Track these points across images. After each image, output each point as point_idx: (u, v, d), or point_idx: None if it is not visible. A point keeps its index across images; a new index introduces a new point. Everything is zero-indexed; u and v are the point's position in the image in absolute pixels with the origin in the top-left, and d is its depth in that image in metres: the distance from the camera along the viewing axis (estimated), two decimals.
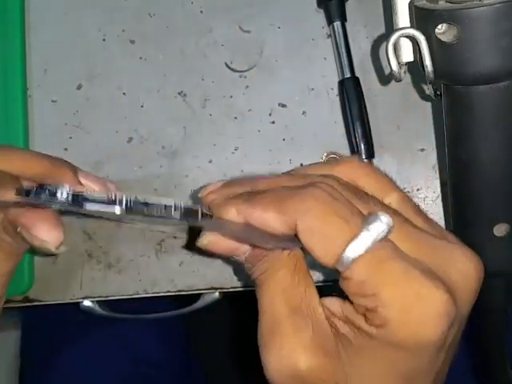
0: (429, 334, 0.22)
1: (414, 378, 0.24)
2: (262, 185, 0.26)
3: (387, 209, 0.25)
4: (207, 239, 0.26)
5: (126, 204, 0.25)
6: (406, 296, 0.22)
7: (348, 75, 0.40)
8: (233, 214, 0.25)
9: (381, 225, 0.22)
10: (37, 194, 0.26)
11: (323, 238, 0.23)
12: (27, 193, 0.26)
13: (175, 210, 0.25)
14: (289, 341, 0.23)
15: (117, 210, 0.25)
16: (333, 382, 0.23)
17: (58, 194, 0.25)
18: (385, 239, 0.23)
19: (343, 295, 0.24)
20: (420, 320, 0.22)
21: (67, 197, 0.25)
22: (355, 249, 0.22)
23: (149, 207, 0.25)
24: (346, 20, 0.41)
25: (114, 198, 0.25)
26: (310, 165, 0.29)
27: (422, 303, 0.22)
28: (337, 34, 0.41)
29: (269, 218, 0.24)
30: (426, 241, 0.24)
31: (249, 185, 0.27)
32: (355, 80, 0.40)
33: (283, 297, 0.24)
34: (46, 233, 0.28)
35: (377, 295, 0.22)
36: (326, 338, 0.24)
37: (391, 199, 0.26)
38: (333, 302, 0.24)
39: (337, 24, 0.41)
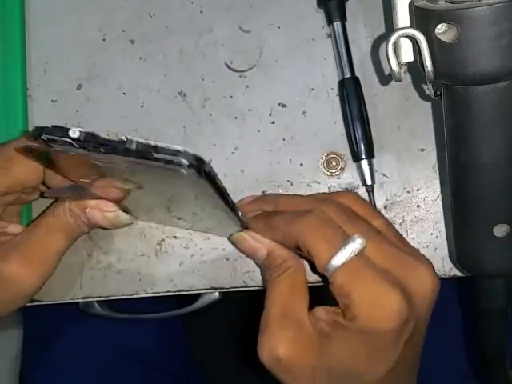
0: (385, 326, 0.29)
1: (374, 359, 0.31)
2: (282, 204, 0.36)
3: (371, 228, 0.33)
4: (236, 237, 0.36)
5: (137, 146, 0.26)
6: (370, 297, 0.29)
7: (348, 75, 0.40)
8: (257, 227, 0.35)
9: (354, 244, 0.30)
10: (50, 133, 0.27)
11: (314, 254, 0.31)
12: (40, 133, 0.27)
13: (184, 157, 0.26)
14: (275, 335, 0.31)
15: (129, 146, 0.26)
16: (308, 366, 0.31)
17: (71, 133, 0.26)
18: (360, 254, 0.30)
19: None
20: (379, 315, 0.29)
21: (80, 135, 0.26)
22: (335, 262, 0.30)
23: (158, 150, 0.26)
24: (345, 20, 0.41)
25: (125, 139, 0.26)
26: (324, 193, 0.41)
27: (382, 303, 0.29)
28: (337, 33, 0.41)
29: (279, 236, 0.34)
30: (396, 256, 0.32)
31: (272, 203, 0.36)
32: (355, 80, 0.40)
33: (280, 304, 0.32)
34: (113, 208, 0.35)
35: (350, 295, 0.30)
36: (307, 336, 0.31)
37: (377, 223, 0.34)
38: (320, 311, 0.32)
39: (337, 24, 0.41)
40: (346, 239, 0.31)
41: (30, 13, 0.43)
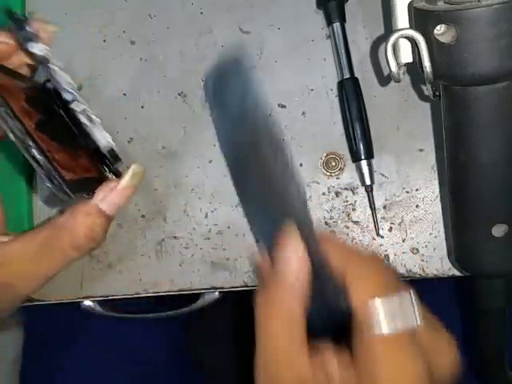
0: None
1: None
2: None
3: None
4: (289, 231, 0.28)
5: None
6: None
7: (347, 76, 0.40)
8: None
9: (407, 297, 0.27)
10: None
11: (361, 281, 0.27)
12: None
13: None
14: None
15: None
16: None
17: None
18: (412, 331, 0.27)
19: None
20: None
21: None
22: (380, 303, 0.26)
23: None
24: (345, 21, 0.41)
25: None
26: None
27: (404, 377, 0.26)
28: (336, 34, 0.41)
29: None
30: (432, 333, 0.28)
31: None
32: (354, 80, 0.40)
33: (276, 356, 0.27)
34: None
35: (378, 366, 0.26)
36: None
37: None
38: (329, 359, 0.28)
39: (336, 25, 0.41)
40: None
41: (31, 14, 0.43)
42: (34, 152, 0.28)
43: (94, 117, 0.29)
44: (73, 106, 0.29)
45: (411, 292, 0.27)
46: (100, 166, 0.31)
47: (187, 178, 0.42)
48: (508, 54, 0.28)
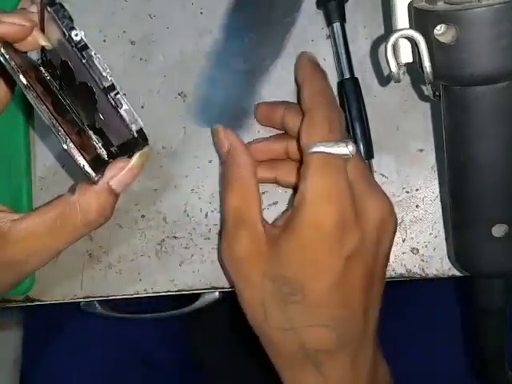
0: (326, 224, 0.32)
1: (314, 269, 0.32)
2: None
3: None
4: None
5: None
6: (324, 191, 0.32)
7: (347, 76, 0.40)
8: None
9: (345, 149, 0.33)
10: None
11: (312, 128, 0.34)
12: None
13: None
14: (232, 238, 0.35)
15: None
16: (259, 272, 0.33)
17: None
18: (342, 159, 0.33)
19: None
20: (324, 210, 0.32)
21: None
22: (320, 147, 0.33)
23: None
24: (345, 21, 0.41)
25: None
26: None
27: (331, 200, 0.32)
28: (336, 34, 0.41)
29: (306, 91, 0.37)
30: (368, 177, 0.36)
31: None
32: (354, 80, 0.40)
33: (234, 212, 0.35)
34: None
35: (308, 180, 0.32)
36: (259, 242, 0.34)
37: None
38: (278, 218, 0.38)
39: (336, 25, 0.41)
40: (341, 140, 0.34)
41: None
42: (60, 135, 0.30)
43: (125, 100, 0.31)
44: (113, 93, 0.30)
45: (350, 144, 0.33)
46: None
47: (187, 177, 0.42)
48: (508, 54, 0.28)
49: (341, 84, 0.41)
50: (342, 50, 0.41)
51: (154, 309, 0.52)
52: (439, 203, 0.41)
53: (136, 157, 0.31)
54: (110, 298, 0.42)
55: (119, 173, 0.31)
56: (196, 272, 0.41)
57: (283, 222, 0.35)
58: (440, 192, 0.41)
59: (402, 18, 0.32)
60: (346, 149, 0.33)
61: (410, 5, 0.31)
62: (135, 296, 0.42)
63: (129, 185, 0.31)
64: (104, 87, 0.30)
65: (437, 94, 0.33)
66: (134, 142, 0.31)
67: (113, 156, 0.33)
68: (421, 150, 0.41)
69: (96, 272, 0.42)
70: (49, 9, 0.31)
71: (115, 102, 0.30)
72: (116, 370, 0.60)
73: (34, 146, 0.43)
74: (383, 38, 0.41)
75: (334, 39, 0.41)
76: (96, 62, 0.30)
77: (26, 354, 0.63)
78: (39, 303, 0.42)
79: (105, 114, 0.32)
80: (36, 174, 0.42)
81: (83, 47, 0.30)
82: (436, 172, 0.41)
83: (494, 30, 0.28)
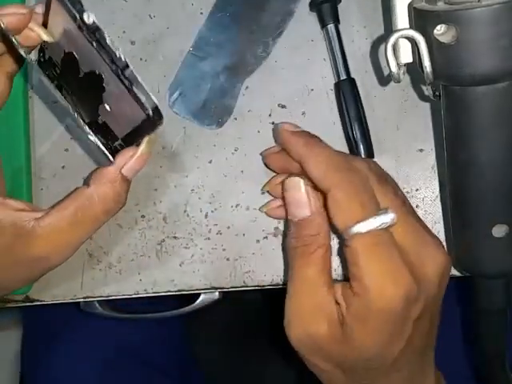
0: (394, 304, 0.30)
1: (388, 338, 0.32)
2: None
3: (398, 198, 0.33)
4: (293, 181, 0.34)
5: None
6: (383, 274, 0.30)
7: (344, 77, 0.40)
8: (292, 147, 0.35)
9: (386, 218, 0.31)
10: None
11: (343, 211, 0.31)
12: None
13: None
14: (308, 322, 0.32)
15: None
16: (338, 342, 0.32)
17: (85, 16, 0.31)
18: (386, 229, 0.31)
19: None
20: (390, 293, 0.30)
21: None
22: (360, 227, 0.30)
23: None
24: (339, 22, 0.41)
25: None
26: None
27: (393, 281, 0.30)
28: (331, 36, 0.41)
29: (315, 172, 0.33)
30: (417, 231, 0.33)
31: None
32: (351, 81, 0.40)
33: (309, 292, 0.32)
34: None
35: (363, 267, 0.30)
36: (334, 321, 0.32)
37: (400, 193, 0.35)
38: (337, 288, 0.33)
39: (330, 27, 0.41)
40: (378, 209, 0.31)
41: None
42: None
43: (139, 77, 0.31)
44: (127, 71, 0.30)
45: (388, 211, 0.31)
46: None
47: (187, 177, 0.42)
48: (508, 54, 0.28)
49: (337, 85, 0.41)
50: (337, 52, 0.41)
51: (153, 309, 0.52)
52: (439, 203, 0.41)
53: (144, 144, 0.32)
54: (110, 298, 0.42)
55: (130, 161, 0.32)
56: (196, 272, 0.41)
57: (346, 307, 0.32)
58: (440, 192, 0.41)
59: (402, 18, 0.32)
60: (387, 217, 0.31)
61: (409, 5, 0.32)
62: (135, 296, 0.42)
63: (139, 171, 0.33)
64: (118, 67, 0.30)
65: (437, 94, 0.33)
66: (148, 123, 0.31)
67: (116, 151, 0.33)
68: (421, 150, 0.41)
69: (96, 272, 0.42)
70: None
71: (129, 81, 0.30)
72: (116, 369, 0.59)
73: (34, 146, 0.43)
74: (383, 38, 0.41)
75: (329, 41, 0.41)
76: (108, 42, 0.30)
77: (26, 355, 0.63)
78: (39, 303, 0.42)
79: (113, 101, 0.32)
80: (36, 174, 0.42)
81: (96, 28, 0.30)
82: (436, 172, 0.41)
83: (494, 29, 0.28)
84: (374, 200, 0.32)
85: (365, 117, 0.40)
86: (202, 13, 0.43)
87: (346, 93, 0.40)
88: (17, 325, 0.69)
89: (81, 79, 0.32)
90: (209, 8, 0.43)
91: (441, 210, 0.41)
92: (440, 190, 0.41)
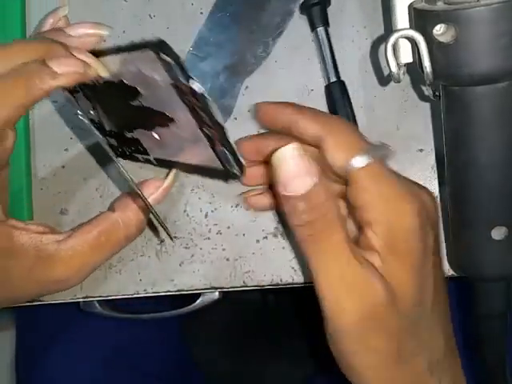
0: (411, 220, 0.30)
1: (412, 271, 0.30)
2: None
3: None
4: (285, 151, 0.28)
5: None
6: (393, 196, 0.30)
7: (333, 79, 0.40)
8: (273, 111, 0.35)
9: (382, 150, 0.30)
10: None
11: (343, 147, 0.31)
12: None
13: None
14: (361, 290, 0.29)
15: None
16: (389, 296, 0.29)
17: None
18: (384, 162, 0.30)
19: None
20: (403, 210, 0.30)
21: None
22: (364, 159, 0.30)
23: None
24: (328, 25, 0.41)
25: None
26: None
27: (404, 200, 0.30)
28: (320, 39, 0.41)
29: (312, 125, 0.32)
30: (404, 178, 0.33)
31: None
32: (341, 84, 0.40)
33: (347, 261, 0.29)
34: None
35: (373, 194, 0.30)
36: (379, 277, 0.29)
37: None
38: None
39: (320, 29, 0.41)
40: (370, 146, 0.31)
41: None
42: None
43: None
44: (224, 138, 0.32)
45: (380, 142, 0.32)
46: None
47: (187, 177, 0.42)
48: (507, 54, 0.28)
49: (328, 88, 0.41)
50: (327, 54, 0.41)
51: (153, 309, 0.52)
52: (439, 203, 0.41)
53: (171, 176, 0.35)
54: (110, 297, 0.42)
55: (155, 191, 0.35)
56: (196, 272, 0.41)
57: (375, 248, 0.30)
58: (440, 192, 0.41)
59: (401, 18, 0.33)
60: (385, 147, 0.31)
61: (409, 5, 0.32)
62: (135, 296, 0.42)
63: (162, 201, 0.36)
64: (211, 129, 0.31)
65: (437, 94, 0.33)
66: (220, 173, 0.33)
67: (132, 158, 0.34)
68: (421, 150, 0.41)
69: (96, 272, 0.42)
70: (162, 56, 0.29)
71: (226, 148, 0.31)
72: (115, 369, 0.60)
73: (33, 146, 0.43)
74: (383, 38, 0.41)
75: (319, 43, 0.41)
76: (213, 111, 0.31)
77: (25, 355, 0.63)
78: (39, 303, 0.42)
79: (175, 139, 0.33)
80: (36, 174, 0.42)
81: (202, 96, 0.30)
82: (436, 172, 0.41)
83: (493, 29, 0.28)
84: (363, 139, 0.32)
85: (355, 119, 0.40)
86: (201, 13, 0.43)
87: (336, 95, 0.40)
88: (11, 326, 0.69)
89: (131, 106, 0.32)
90: (209, 8, 0.43)
91: (440, 210, 0.41)
92: (440, 190, 0.41)
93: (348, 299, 0.29)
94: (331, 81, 0.41)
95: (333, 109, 0.40)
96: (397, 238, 0.30)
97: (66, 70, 0.31)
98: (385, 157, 0.31)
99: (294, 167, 0.27)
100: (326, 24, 0.41)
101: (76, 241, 0.33)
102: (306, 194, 0.28)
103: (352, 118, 0.40)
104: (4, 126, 0.31)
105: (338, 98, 0.40)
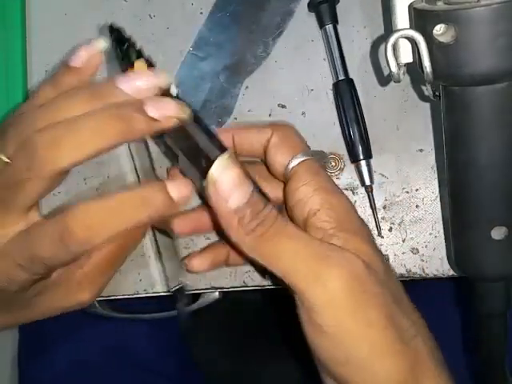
0: (354, 218, 0.32)
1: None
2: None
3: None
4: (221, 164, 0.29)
5: None
6: (327, 188, 0.32)
7: (342, 77, 0.40)
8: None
9: (322, 153, 0.35)
10: None
11: (285, 149, 0.34)
12: None
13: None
14: (338, 260, 0.29)
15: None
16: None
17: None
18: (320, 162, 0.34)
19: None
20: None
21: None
22: (304, 157, 0.33)
23: None
24: (337, 22, 0.41)
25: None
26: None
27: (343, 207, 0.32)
28: (329, 36, 0.41)
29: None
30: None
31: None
32: (349, 82, 0.40)
33: (309, 242, 0.29)
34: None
35: (312, 181, 0.32)
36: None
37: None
38: None
39: (329, 27, 0.41)
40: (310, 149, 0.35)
41: (31, 14, 0.43)
42: None
43: None
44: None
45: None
46: None
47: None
48: (507, 54, 0.28)
49: (336, 86, 0.41)
50: (335, 52, 0.41)
51: (153, 309, 0.52)
52: (439, 203, 0.41)
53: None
54: (110, 298, 0.42)
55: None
56: None
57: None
58: (440, 192, 0.41)
59: (401, 18, 0.32)
60: (322, 153, 0.36)
61: (409, 5, 0.32)
62: (135, 296, 0.42)
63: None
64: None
65: (437, 94, 0.33)
66: None
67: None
68: (421, 150, 0.41)
69: None
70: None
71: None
72: (115, 369, 0.60)
73: None
74: (383, 38, 0.41)
75: (328, 41, 0.41)
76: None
77: (25, 354, 0.63)
78: None
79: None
80: None
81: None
82: (436, 172, 0.41)
83: (493, 29, 0.28)
84: (303, 142, 0.35)
85: (363, 117, 0.40)
86: (201, 13, 0.43)
87: (344, 93, 0.40)
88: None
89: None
90: (209, 8, 0.43)
91: (440, 210, 0.41)
92: (440, 189, 0.41)
93: (327, 273, 0.28)
94: (340, 78, 0.41)
95: (341, 106, 0.40)
96: (344, 219, 0.31)
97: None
98: (321, 160, 0.34)
99: (229, 180, 0.28)
100: (334, 21, 0.41)
101: (95, 260, 0.34)
102: (248, 200, 0.28)
103: (360, 116, 0.40)
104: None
105: (345, 96, 0.40)
